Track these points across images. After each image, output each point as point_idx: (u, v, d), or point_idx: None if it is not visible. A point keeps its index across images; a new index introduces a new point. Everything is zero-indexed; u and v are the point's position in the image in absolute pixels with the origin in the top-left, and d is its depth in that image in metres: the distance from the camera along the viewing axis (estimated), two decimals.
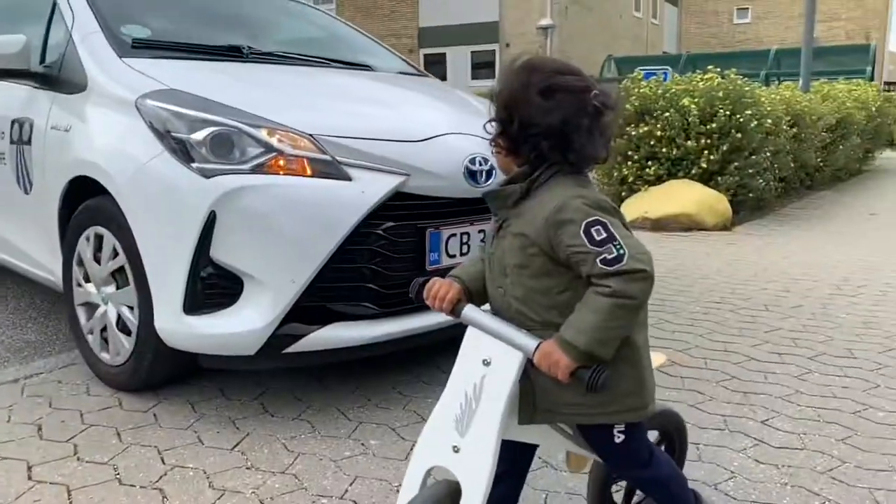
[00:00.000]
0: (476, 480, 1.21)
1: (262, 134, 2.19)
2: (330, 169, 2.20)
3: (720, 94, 6.17)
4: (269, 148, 2.18)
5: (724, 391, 2.50)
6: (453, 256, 2.40)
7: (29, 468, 1.91)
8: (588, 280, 1.16)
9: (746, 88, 6.37)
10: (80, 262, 2.54)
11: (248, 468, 1.92)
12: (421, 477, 1.28)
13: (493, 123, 1.26)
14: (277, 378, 2.55)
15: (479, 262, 1.36)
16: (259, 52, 2.96)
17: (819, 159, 8.41)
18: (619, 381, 1.21)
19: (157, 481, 1.85)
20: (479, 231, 2.46)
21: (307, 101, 2.52)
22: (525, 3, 24.06)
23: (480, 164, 2.45)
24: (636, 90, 6.42)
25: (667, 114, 6.15)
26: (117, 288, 2.40)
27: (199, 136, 2.16)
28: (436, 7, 24.83)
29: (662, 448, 1.57)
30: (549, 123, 1.18)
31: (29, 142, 2.77)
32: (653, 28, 32.59)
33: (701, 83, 6.36)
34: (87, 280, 2.52)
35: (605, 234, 1.14)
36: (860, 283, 4.11)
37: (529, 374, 1.23)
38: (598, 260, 1.12)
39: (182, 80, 2.42)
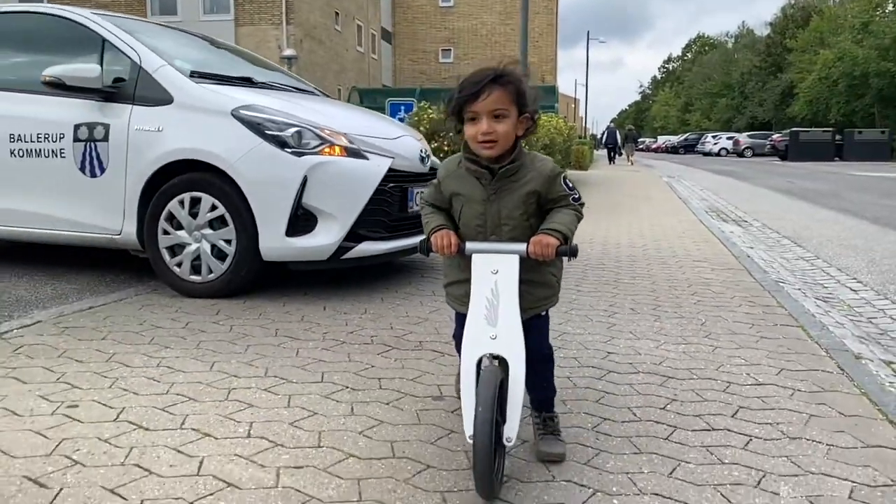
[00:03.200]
0: (515, 351, 1.72)
1: (321, 132, 3.76)
2: (356, 153, 3.85)
3: None
4: (324, 140, 3.75)
5: None
6: (415, 204, 4.18)
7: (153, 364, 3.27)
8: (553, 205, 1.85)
9: None
10: (169, 218, 3.77)
11: (301, 321, 3.51)
12: (474, 367, 1.72)
13: (506, 109, 1.76)
14: (295, 288, 4.07)
15: (443, 215, 1.93)
16: (259, 82, 4.41)
17: None
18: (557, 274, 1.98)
19: (242, 339, 3.36)
20: (420, 191, 4.23)
21: (330, 113, 4.12)
22: (259, 33, 25.36)
23: (423, 153, 4.28)
24: (426, 116, 8.57)
25: (451, 133, 8.40)
26: (213, 230, 3.72)
27: (288, 132, 3.67)
28: None
29: None
30: (535, 108, 1.83)
31: (105, 139, 3.88)
32: (373, 62, 35.94)
33: None
34: (178, 229, 3.77)
35: (571, 184, 1.86)
36: (601, 240, 6.66)
37: (520, 285, 1.78)
38: (571, 199, 1.84)
39: (248, 99, 3.84)
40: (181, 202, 3.75)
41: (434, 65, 41.03)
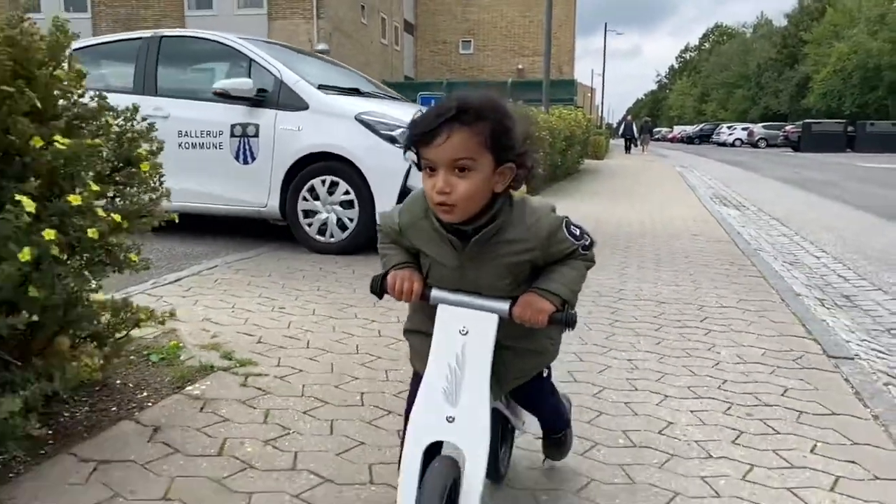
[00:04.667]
0: (476, 443, 1.33)
1: None
2: None
3: None
4: None
5: None
6: None
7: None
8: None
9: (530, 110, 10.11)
10: (310, 190, 5.04)
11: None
12: (420, 457, 1.33)
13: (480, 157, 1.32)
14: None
15: (407, 253, 1.52)
16: (365, 91, 5.73)
17: (560, 160, 12.65)
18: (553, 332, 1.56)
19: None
20: None
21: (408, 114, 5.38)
22: (291, 27, 26.61)
23: None
24: None
25: None
26: (342, 207, 5.01)
27: (396, 132, 4.91)
28: (207, 26, 26.20)
29: None
30: (525, 152, 1.39)
31: (256, 135, 5.15)
32: (395, 54, 37.13)
33: None
34: (315, 199, 5.04)
35: (577, 229, 1.47)
36: (616, 221, 7.87)
37: (494, 355, 1.40)
38: (580, 248, 1.46)
39: (365, 106, 5.13)
40: (323, 182, 5.04)
41: (454, 56, 42.13)
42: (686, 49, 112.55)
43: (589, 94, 71.29)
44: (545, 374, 1.67)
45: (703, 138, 53.53)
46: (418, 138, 1.33)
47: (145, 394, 2.36)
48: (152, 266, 2.37)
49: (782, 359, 2.96)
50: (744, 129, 47.68)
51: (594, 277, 4.49)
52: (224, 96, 5.15)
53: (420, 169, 1.37)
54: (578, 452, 2.06)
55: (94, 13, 26.43)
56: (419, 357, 1.52)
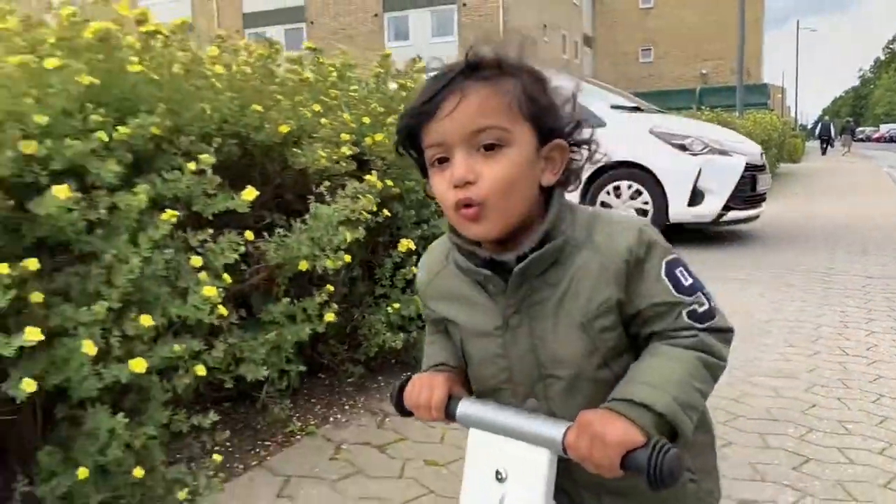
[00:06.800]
0: None
1: (704, 140, 6.04)
2: (726, 153, 6.07)
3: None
4: (707, 145, 6.01)
5: None
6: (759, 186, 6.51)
7: None
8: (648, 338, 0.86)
9: (726, 116, 10.73)
10: (608, 195, 6.19)
11: None
12: None
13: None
14: None
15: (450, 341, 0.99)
16: (644, 108, 7.01)
17: None
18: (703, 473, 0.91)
19: None
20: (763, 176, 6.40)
21: (697, 126, 6.59)
22: None
23: (760, 152, 6.83)
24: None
25: None
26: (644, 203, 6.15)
27: (686, 141, 6.03)
28: (406, 55, 28.84)
29: None
30: (576, 123, 0.92)
31: None
32: (575, 68, 37.99)
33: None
34: (617, 196, 6.21)
35: (690, 279, 0.85)
36: (819, 213, 8.34)
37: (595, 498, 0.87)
38: (684, 313, 0.83)
39: (657, 121, 6.34)
40: (618, 186, 6.18)
41: (634, 66, 42.10)
42: (895, 39, 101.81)
43: (779, 95, 67.06)
44: None
45: None
46: (417, 117, 0.84)
47: None
48: None
49: None
50: None
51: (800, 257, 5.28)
52: None
53: (424, 175, 0.89)
54: None
55: None
56: None
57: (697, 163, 5.89)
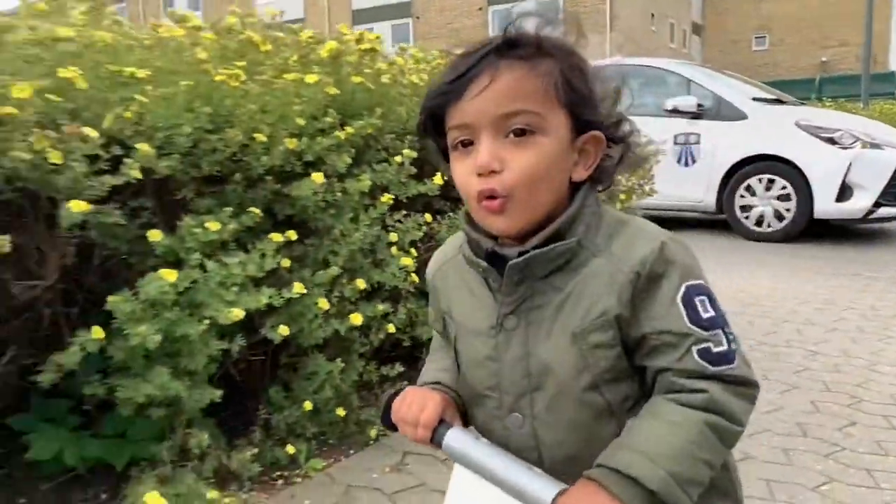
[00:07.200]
0: None
1: (855, 133, 5.79)
2: (878, 146, 5.80)
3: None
4: (857, 139, 5.77)
5: None
6: None
7: None
8: (654, 380, 0.76)
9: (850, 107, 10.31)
10: (747, 189, 6.11)
11: None
12: None
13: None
14: None
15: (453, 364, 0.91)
16: (786, 100, 6.82)
17: None
18: None
19: None
20: None
21: (843, 119, 6.37)
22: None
23: None
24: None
25: None
26: (779, 200, 6.02)
27: (836, 135, 5.82)
28: None
29: None
30: (616, 117, 0.87)
31: (697, 143, 6.39)
32: (684, 57, 36.86)
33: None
34: (752, 195, 6.11)
35: (712, 311, 0.75)
36: None
37: None
38: (695, 349, 0.73)
39: (803, 113, 6.16)
40: (759, 180, 6.10)
41: (746, 54, 40.22)
42: None
43: None
44: None
45: None
46: (444, 96, 0.78)
47: None
48: None
49: None
50: None
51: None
52: (672, 112, 6.42)
53: (446, 159, 0.83)
54: None
55: None
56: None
57: (847, 157, 5.68)
